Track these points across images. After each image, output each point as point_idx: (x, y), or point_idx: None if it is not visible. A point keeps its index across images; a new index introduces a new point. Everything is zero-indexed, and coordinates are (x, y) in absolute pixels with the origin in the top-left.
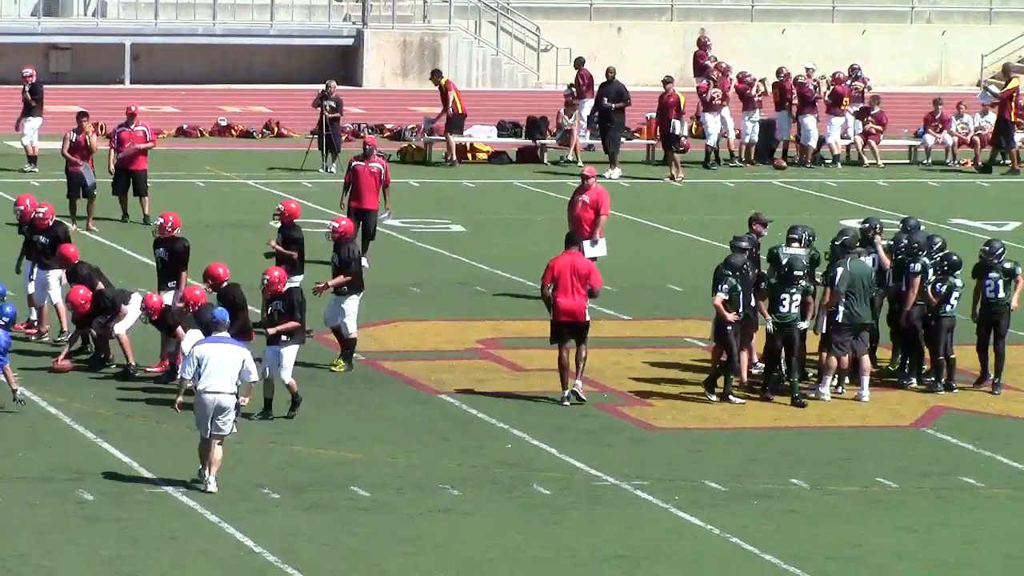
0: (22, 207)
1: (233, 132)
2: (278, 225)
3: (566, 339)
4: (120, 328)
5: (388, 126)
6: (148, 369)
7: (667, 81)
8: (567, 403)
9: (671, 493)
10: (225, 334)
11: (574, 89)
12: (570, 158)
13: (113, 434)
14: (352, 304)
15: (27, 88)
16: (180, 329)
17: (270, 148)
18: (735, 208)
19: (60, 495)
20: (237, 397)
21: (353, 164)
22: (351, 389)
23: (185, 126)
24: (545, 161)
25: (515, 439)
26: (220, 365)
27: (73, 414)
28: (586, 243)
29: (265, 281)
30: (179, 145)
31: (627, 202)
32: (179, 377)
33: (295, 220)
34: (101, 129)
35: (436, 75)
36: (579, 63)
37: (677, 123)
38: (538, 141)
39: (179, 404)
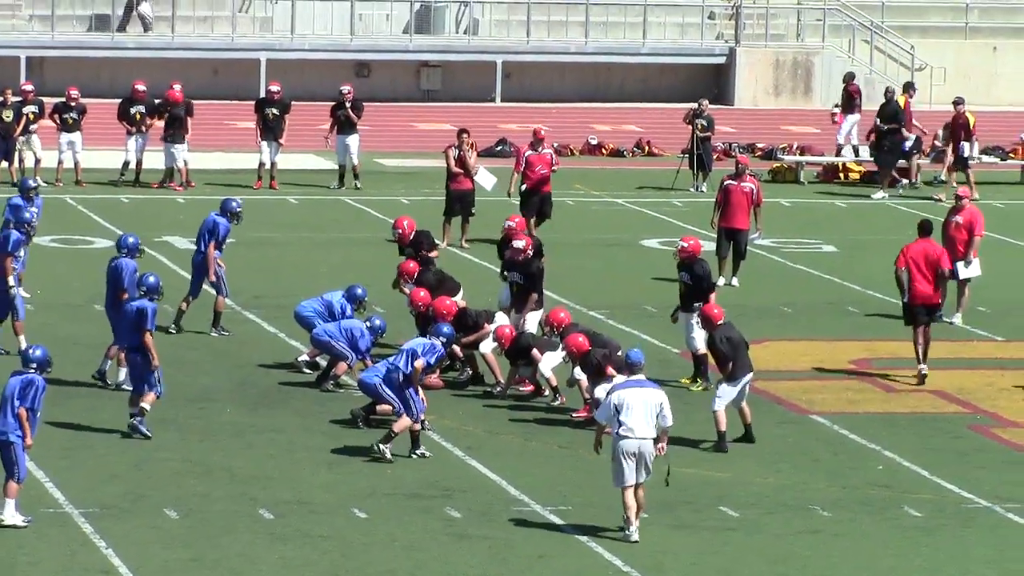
0: (400, 230)
1: (604, 151)
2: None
3: (920, 321)
4: (485, 347)
5: (760, 145)
6: (520, 389)
7: (957, 102)
8: (924, 371)
9: None
10: (642, 376)
11: (839, 105)
12: (943, 178)
13: (482, 451)
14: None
15: (348, 105)
16: (536, 352)
17: (640, 167)
18: None
19: (428, 512)
20: (656, 443)
21: (725, 183)
22: None
23: (555, 144)
24: (918, 181)
25: (886, 460)
26: (640, 410)
27: (442, 431)
28: (960, 264)
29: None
30: None
31: (1000, 223)
32: (596, 420)
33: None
34: (473, 147)
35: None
36: (848, 77)
37: (966, 145)
38: (913, 161)
39: (596, 445)
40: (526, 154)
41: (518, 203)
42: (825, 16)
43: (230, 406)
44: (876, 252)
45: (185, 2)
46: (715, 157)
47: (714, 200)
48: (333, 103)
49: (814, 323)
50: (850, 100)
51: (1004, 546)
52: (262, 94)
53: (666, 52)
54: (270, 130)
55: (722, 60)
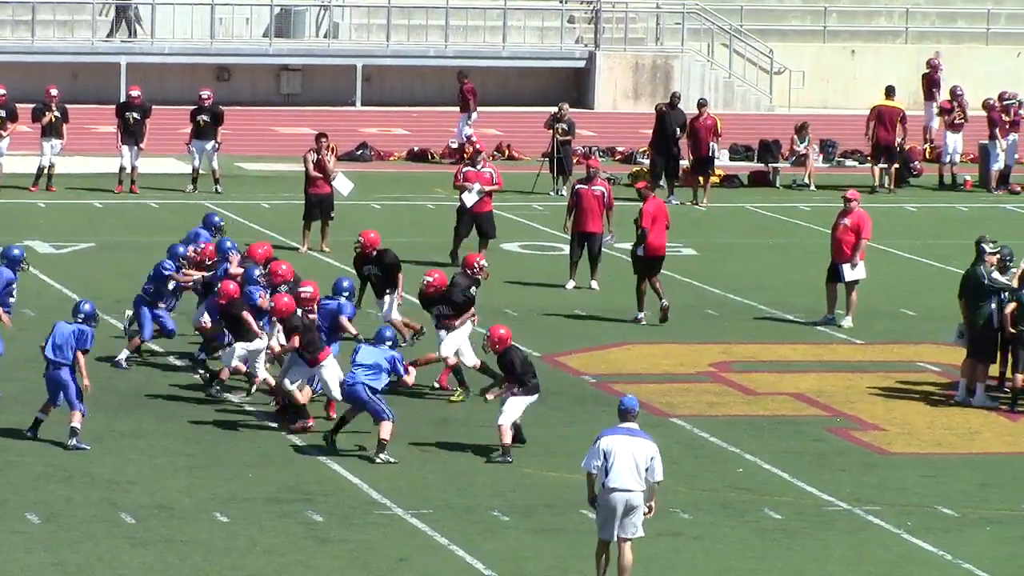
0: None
1: (464, 154)
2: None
3: (647, 273)
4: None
5: (619, 149)
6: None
7: (702, 104)
8: (643, 322)
9: (903, 518)
10: (635, 425)
11: (460, 104)
12: (804, 181)
13: (343, 455)
14: (442, 333)
15: (208, 112)
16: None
17: (501, 171)
18: (969, 232)
19: (289, 516)
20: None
21: (576, 187)
22: (582, 412)
23: (416, 148)
24: (777, 185)
25: (747, 463)
26: (629, 461)
27: (303, 435)
28: (845, 266)
29: None
30: (409, 167)
31: None
32: (584, 470)
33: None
34: (333, 151)
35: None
36: (461, 75)
37: (715, 146)
38: (770, 165)
39: (591, 499)
40: (464, 169)
41: (454, 224)
42: (684, 20)
43: (91, 411)
44: (735, 255)
45: (45, 6)
46: (575, 161)
47: (566, 204)
48: (193, 107)
49: (674, 326)
50: (465, 100)
51: (863, 548)
52: (123, 98)
53: (526, 56)
54: (131, 134)
55: (582, 64)
